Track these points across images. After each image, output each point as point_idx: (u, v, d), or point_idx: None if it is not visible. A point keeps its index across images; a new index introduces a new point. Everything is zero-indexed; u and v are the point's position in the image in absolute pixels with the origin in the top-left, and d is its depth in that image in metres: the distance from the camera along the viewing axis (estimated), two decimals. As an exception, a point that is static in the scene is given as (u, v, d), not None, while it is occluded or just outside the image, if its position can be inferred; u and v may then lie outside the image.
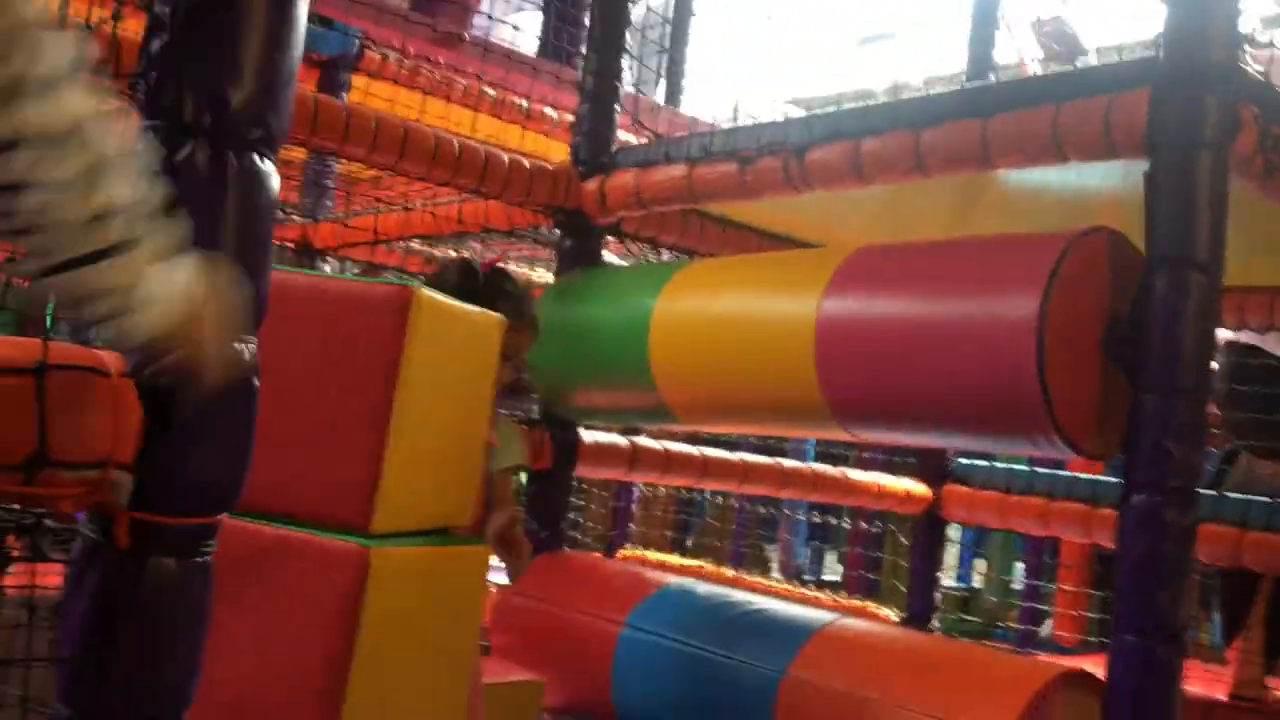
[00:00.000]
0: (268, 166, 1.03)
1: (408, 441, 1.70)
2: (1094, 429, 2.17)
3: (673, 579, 2.97)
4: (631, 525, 5.91)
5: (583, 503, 7.12)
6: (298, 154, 4.79)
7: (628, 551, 5.51)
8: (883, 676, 2.28)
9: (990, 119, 2.39)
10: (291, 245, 4.73)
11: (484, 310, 1.92)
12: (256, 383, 1.03)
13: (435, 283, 2.19)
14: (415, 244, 4.91)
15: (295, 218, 4.66)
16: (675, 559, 5.49)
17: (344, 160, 4.51)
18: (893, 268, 2.48)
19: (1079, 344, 2.14)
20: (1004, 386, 2.15)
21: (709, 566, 5.26)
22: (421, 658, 1.77)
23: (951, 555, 9.04)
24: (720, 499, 7.87)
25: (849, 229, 3.86)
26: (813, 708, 2.34)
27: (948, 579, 9.80)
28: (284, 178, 4.63)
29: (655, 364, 2.83)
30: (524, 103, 5.04)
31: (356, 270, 5.75)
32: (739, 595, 2.80)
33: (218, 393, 0.99)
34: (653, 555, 5.45)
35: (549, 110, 5.03)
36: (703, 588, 2.87)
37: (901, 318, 2.35)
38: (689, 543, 7.61)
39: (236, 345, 1.00)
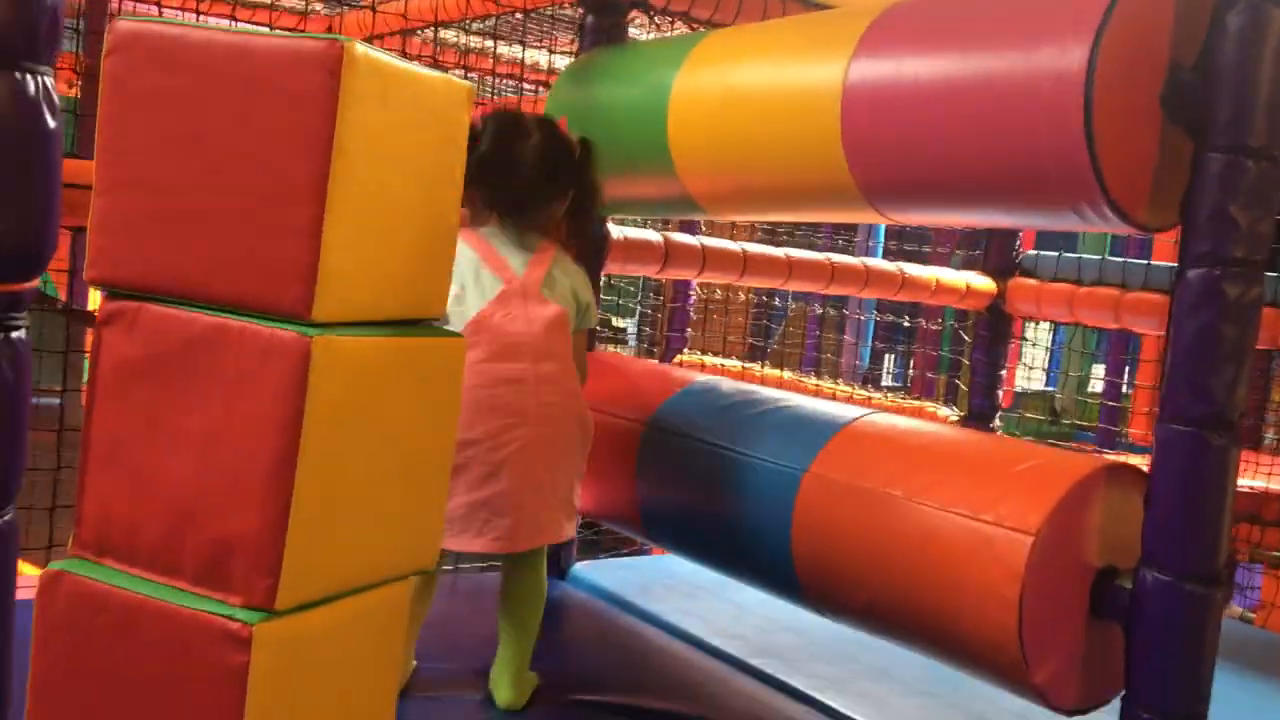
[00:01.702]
0: None
1: (352, 218, 1.53)
2: (1150, 197, 1.91)
3: (699, 377, 2.82)
4: (691, 331, 5.75)
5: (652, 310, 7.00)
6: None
7: (685, 356, 5.38)
8: (908, 472, 2.12)
9: None
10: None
11: (445, 75, 1.72)
12: (53, 124, 0.85)
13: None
14: (449, 36, 4.65)
15: (319, 8, 4.43)
16: (734, 364, 5.36)
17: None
18: (927, 22, 2.19)
19: (1135, 98, 1.86)
20: (1047, 149, 1.90)
21: (765, 372, 5.12)
22: (385, 457, 1.64)
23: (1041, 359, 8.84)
24: (795, 304, 7.68)
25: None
26: (834, 505, 2.20)
27: (1036, 383, 9.63)
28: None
29: (674, 147, 2.61)
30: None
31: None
32: (766, 393, 2.64)
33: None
34: (710, 360, 5.32)
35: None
36: (728, 385, 2.72)
37: (933, 78, 2.08)
38: (769, 349, 7.47)
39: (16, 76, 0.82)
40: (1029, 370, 8.20)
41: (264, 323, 1.51)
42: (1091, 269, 3.90)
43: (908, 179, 2.20)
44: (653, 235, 3.29)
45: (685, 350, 5.59)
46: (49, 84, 0.86)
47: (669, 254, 3.27)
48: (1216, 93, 1.80)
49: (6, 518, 0.90)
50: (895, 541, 2.07)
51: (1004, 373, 4.25)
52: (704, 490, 2.48)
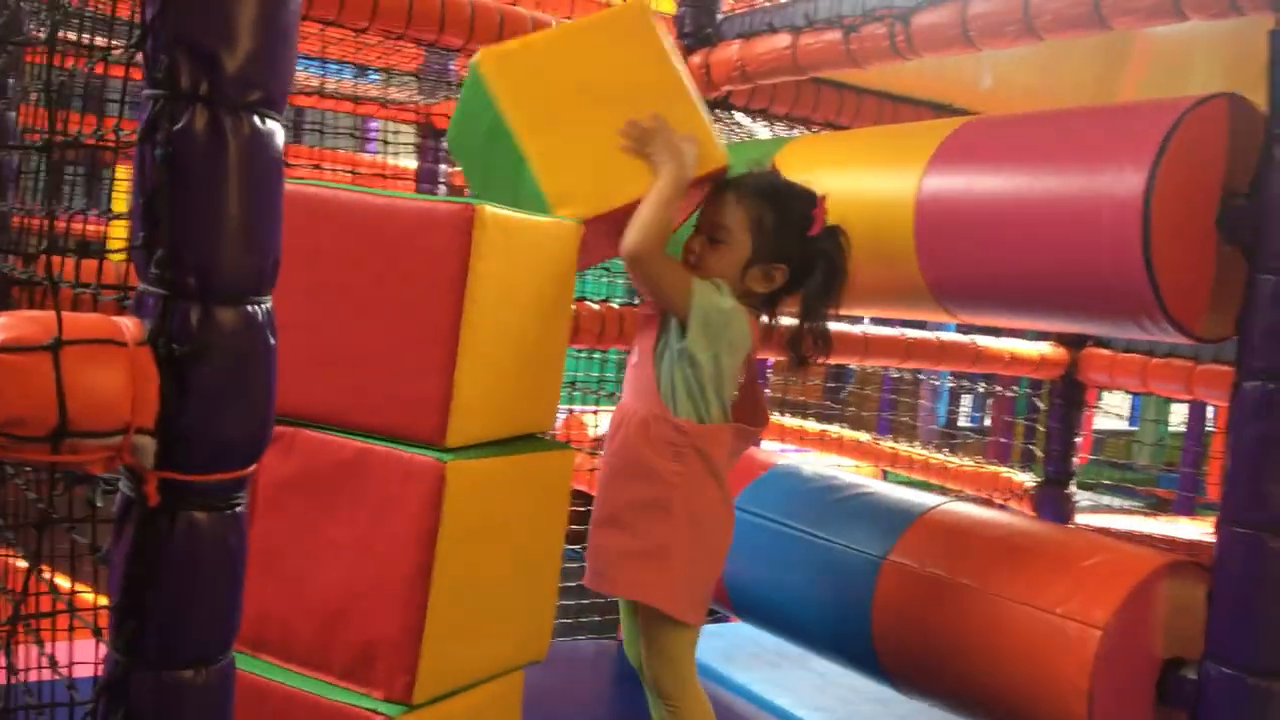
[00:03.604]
0: (271, 126, 1.04)
1: (480, 356, 1.73)
2: (1206, 311, 2.05)
3: (781, 461, 2.98)
4: (769, 392, 5.92)
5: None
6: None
7: (764, 418, 5.52)
8: (982, 564, 2.26)
9: (1102, -25, 2.22)
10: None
11: (557, 220, 1.91)
12: (273, 342, 1.06)
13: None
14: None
15: (417, 99, 4.70)
16: (813, 425, 5.49)
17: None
18: (997, 141, 2.36)
19: (1191, 220, 2.01)
20: (1108, 267, 2.05)
21: (844, 433, 5.25)
22: (504, 561, 1.84)
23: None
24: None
25: (978, 88, 3.67)
26: (912, 593, 2.34)
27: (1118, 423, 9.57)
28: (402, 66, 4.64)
29: (757, 247, 2.79)
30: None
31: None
32: (845, 478, 2.80)
33: (233, 358, 1.03)
34: (788, 422, 5.46)
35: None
36: (809, 470, 2.88)
37: (1001, 194, 2.25)
38: (843, 411, 7.57)
39: (251, 308, 1.03)
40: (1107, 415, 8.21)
41: (403, 448, 1.71)
42: (1165, 341, 3.99)
43: (976, 286, 2.36)
44: (735, 318, 3.46)
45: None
46: (269, 310, 1.06)
47: (751, 336, 3.43)
48: (1268, 219, 1.93)
49: (228, 660, 1.10)
50: (971, 630, 2.21)
51: (1079, 440, 4.35)
52: (788, 573, 2.64)
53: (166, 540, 1.03)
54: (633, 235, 1.99)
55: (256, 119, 1.03)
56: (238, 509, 1.08)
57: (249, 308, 1.04)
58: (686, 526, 2.07)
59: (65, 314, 0.98)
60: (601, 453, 2.22)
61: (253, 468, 1.08)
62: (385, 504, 1.71)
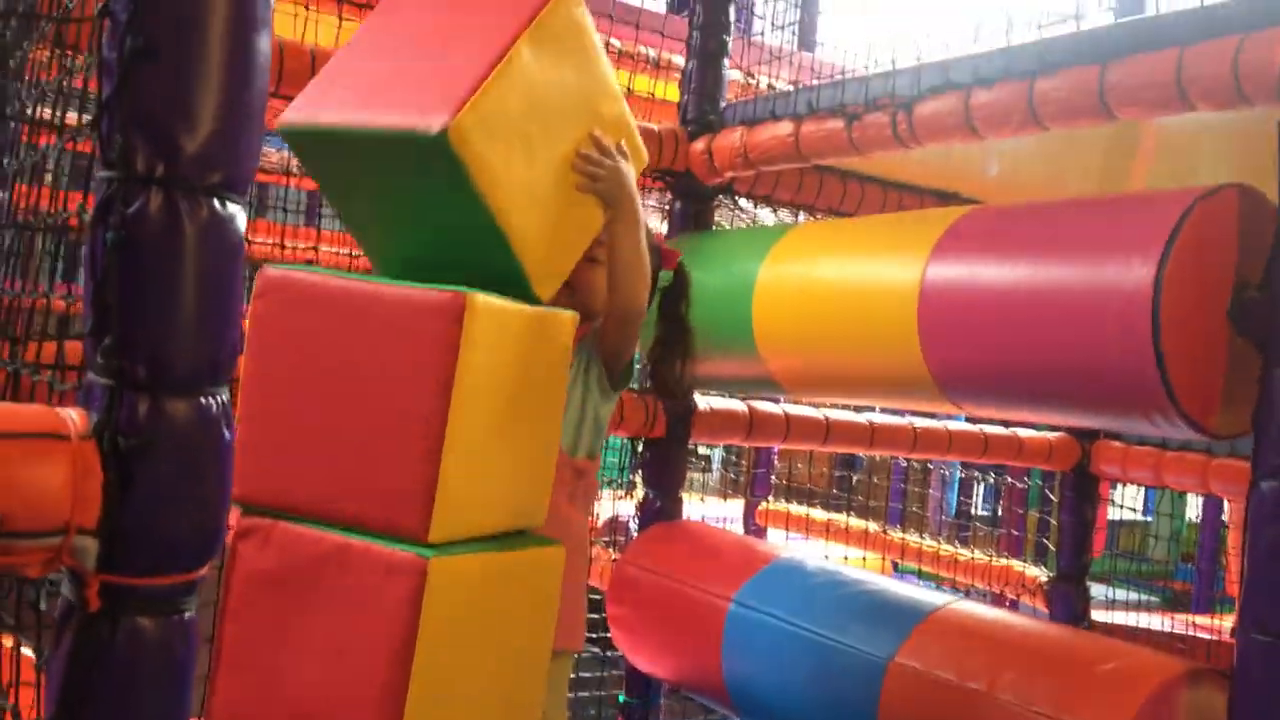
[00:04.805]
0: (231, 210, 0.99)
1: (467, 450, 1.67)
2: (1220, 406, 1.98)
3: (784, 554, 2.89)
4: (775, 479, 5.84)
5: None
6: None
7: (770, 505, 5.46)
8: (992, 667, 2.16)
9: (1107, 66, 2.19)
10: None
11: (552, 310, 1.86)
12: (229, 436, 1.00)
13: None
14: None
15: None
16: (819, 514, 5.39)
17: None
18: (1002, 231, 2.31)
19: (1202, 314, 1.95)
20: (1117, 361, 1.99)
21: (851, 523, 5.14)
22: (488, 662, 1.75)
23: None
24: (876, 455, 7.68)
25: (983, 176, 3.65)
26: (919, 697, 2.24)
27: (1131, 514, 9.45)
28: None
29: (759, 332, 2.74)
30: (650, 51, 4.93)
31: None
32: (851, 573, 2.71)
33: (184, 453, 0.97)
34: (796, 510, 5.37)
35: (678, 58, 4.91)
36: (813, 564, 2.79)
37: (1006, 284, 2.19)
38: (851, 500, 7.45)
39: (204, 400, 0.97)
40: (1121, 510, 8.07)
41: (385, 543, 1.64)
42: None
43: (981, 378, 2.30)
44: (737, 405, 3.40)
45: (769, 499, 5.66)
46: (225, 400, 1.01)
47: (754, 423, 3.36)
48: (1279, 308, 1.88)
49: (173, 770, 1.02)
50: (980, 738, 2.11)
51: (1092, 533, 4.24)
52: (792, 673, 2.54)
53: (106, 648, 0.96)
54: (640, 295, 1.98)
55: (216, 202, 0.98)
56: (186, 614, 1.01)
57: (202, 399, 0.98)
58: (580, 565, 2.11)
59: (1, 405, 0.92)
60: (604, 540, 2.18)
61: (203, 571, 1.02)
62: (364, 602, 1.63)
